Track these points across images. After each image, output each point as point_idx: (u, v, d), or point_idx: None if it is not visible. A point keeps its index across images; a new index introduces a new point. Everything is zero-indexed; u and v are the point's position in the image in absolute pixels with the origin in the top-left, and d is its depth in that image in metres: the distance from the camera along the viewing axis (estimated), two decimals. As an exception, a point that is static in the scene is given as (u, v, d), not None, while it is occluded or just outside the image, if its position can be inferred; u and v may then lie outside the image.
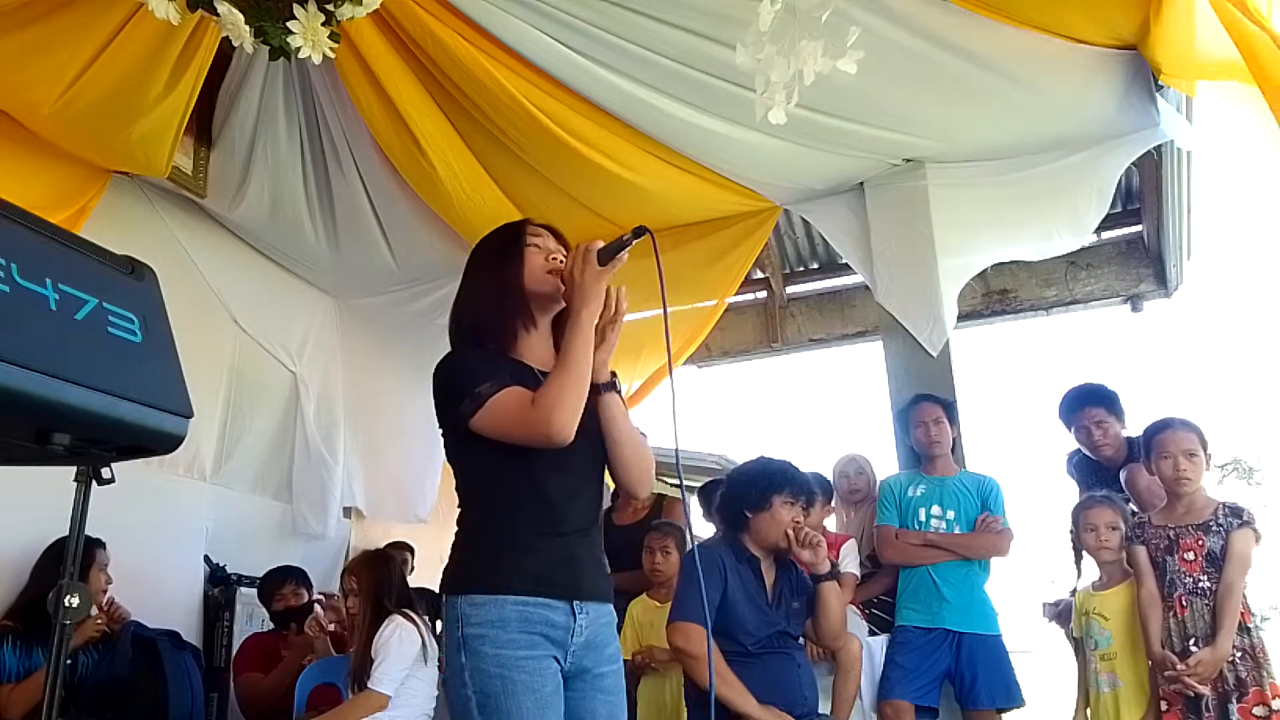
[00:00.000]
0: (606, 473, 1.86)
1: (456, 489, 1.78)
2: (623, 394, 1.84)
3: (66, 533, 1.63)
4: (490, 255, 1.85)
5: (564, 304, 1.78)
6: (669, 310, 4.72)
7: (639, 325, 4.48)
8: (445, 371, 1.74)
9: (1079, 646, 3.13)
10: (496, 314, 1.78)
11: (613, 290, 1.77)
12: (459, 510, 1.77)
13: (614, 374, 1.82)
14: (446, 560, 1.73)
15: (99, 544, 3.19)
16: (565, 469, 1.70)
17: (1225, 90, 2.81)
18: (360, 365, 5.18)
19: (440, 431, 1.76)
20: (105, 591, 3.27)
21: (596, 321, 1.71)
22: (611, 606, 1.78)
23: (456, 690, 1.60)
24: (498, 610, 1.60)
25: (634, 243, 1.68)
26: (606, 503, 4.41)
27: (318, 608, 3.60)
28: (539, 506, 1.68)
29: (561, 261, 1.78)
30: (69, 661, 2.98)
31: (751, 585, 2.83)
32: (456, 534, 1.76)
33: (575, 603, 1.66)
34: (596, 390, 1.75)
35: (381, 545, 4.77)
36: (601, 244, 1.70)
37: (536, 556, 1.66)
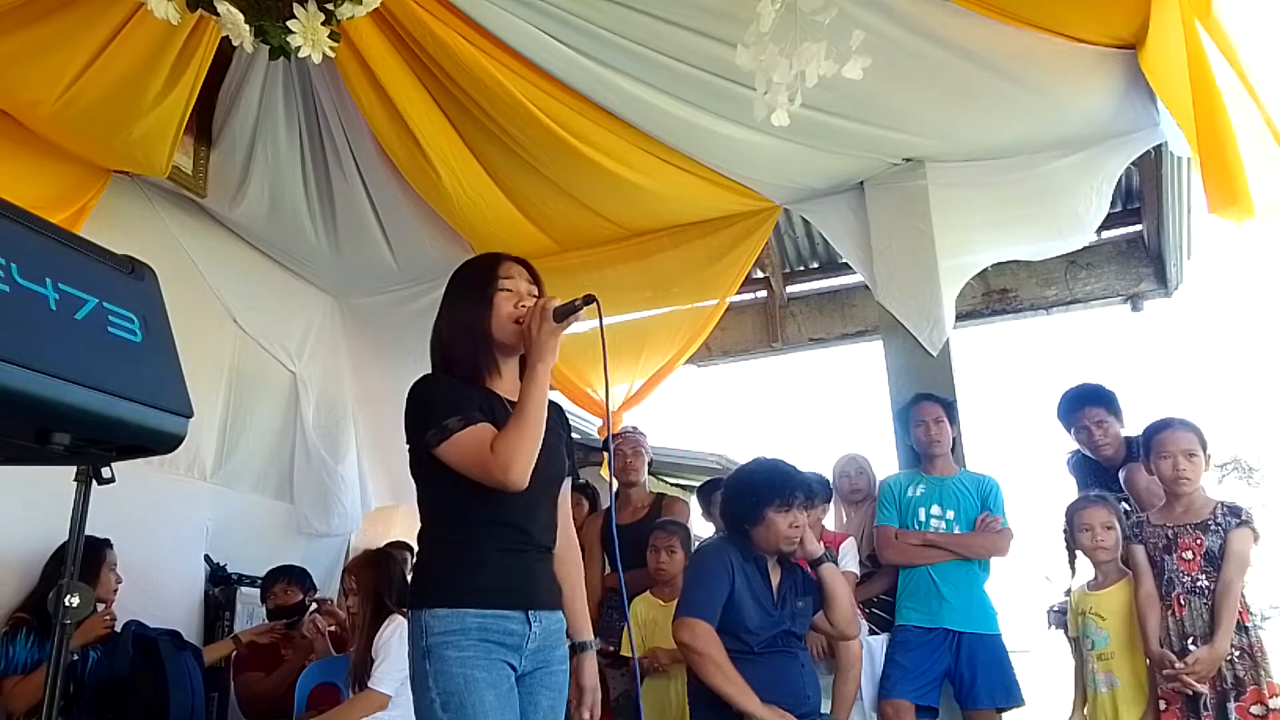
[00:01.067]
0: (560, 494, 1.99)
1: (419, 503, 1.90)
2: (590, 647, 2.00)
3: (97, 535, 1.63)
4: (463, 294, 1.95)
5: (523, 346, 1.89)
6: (669, 310, 4.74)
7: (641, 324, 4.50)
8: (418, 394, 1.85)
9: (1075, 646, 3.14)
10: (467, 350, 1.88)
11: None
12: (421, 525, 1.89)
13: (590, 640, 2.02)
14: (411, 576, 1.85)
15: (107, 544, 3.23)
16: (521, 498, 1.78)
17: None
18: (361, 365, 5.18)
19: (407, 446, 1.86)
20: (116, 591, 3.30)
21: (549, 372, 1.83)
22: (561, 613, 1.91)
23: (421, 695, 1.72)
24: (459, 621, 1.72)
25: (583, 309, 1.81)
26: (605, 502, 4.41)
27: (313, 610, 3.60)
28: (501, 527, 1.80)
29: (527, 308, 1.88)
30: (75, 658, 3.01)
31: (757, 584, 2.83)
32: (420, 548, 1.90)
33: (530, 612, 1.80)
34: (573, 648, 1.96)
35: (381, 545, 4.79)
36: (558, 302, 1.81)
37: (496, 571, 1.79)
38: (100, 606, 3.20)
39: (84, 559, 3.01)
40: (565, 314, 1.80)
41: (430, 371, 1.93)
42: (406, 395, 1.85)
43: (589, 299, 1.80)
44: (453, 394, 1.81)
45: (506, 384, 1.91)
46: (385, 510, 5.38)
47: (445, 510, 1.84)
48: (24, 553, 3.22)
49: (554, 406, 1.93)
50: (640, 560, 3.59)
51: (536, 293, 1.94)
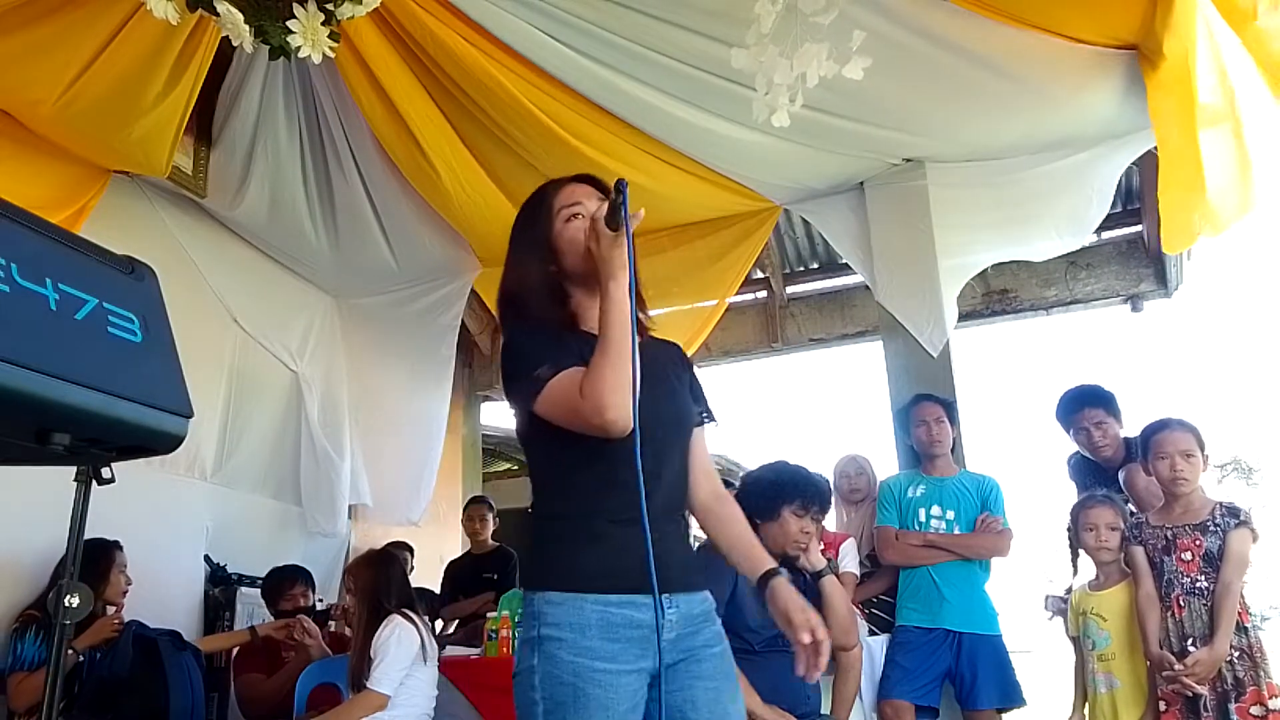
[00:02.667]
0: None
1: (529, 474, 1.68)
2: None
3: (85, 533, 1.63)
4: (525, 236, 1.71)
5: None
6: (670, 310, 4.72)
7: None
8: (508, 349, 1.63)
9: (1075, 646, 3.14)
10: (544, 296, 1.66)
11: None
12: (533, 497, 1.66)
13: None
14: (526, 551, 1.63)
15: (117, 545, 3.25)
16: (646, 446, 1.50)
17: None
18: (360, 364, 5.18)
19: (512, 413, 1.66)
20: (126, 593, 3.31)
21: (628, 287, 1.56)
22: (705, 594, 1.64)
23: (524, 692, 1.50)
24: (577, 611, 1.48)
25: (623, 195, 1.54)
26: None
27: (303, 619, 3.55)
28: (618, 491, 1.51)
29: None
30: (80, 660, 3.01)
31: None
32: (532, 522, 1.64)
33: (663, 596, 1.48)
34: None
35: (381, 545, 4.78)
36: (603, 212, 1.57)
37: (616, 547, 1.52)
38: (110, 609, 3.21)
39: (93, 560, 3.05)
40: (613, 215, 1.55)
41: (511, 327, 1.70)
42: (500, 354, 1.65)
43: (619, 184, 1.53)
44: (542, 342, 1.59)
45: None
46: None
47: (555, 475, 1.61)
48: (37, 552, 3.23)
49: (669, 345, 1.75)
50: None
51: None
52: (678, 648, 1.54)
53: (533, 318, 1.66)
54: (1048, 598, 3.38)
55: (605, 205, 1.57)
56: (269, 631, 3.66)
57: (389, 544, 4.87)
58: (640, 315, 1.65)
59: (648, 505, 1.47)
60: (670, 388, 1.66)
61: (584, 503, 1.56)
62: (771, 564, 1.68)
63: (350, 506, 5.08)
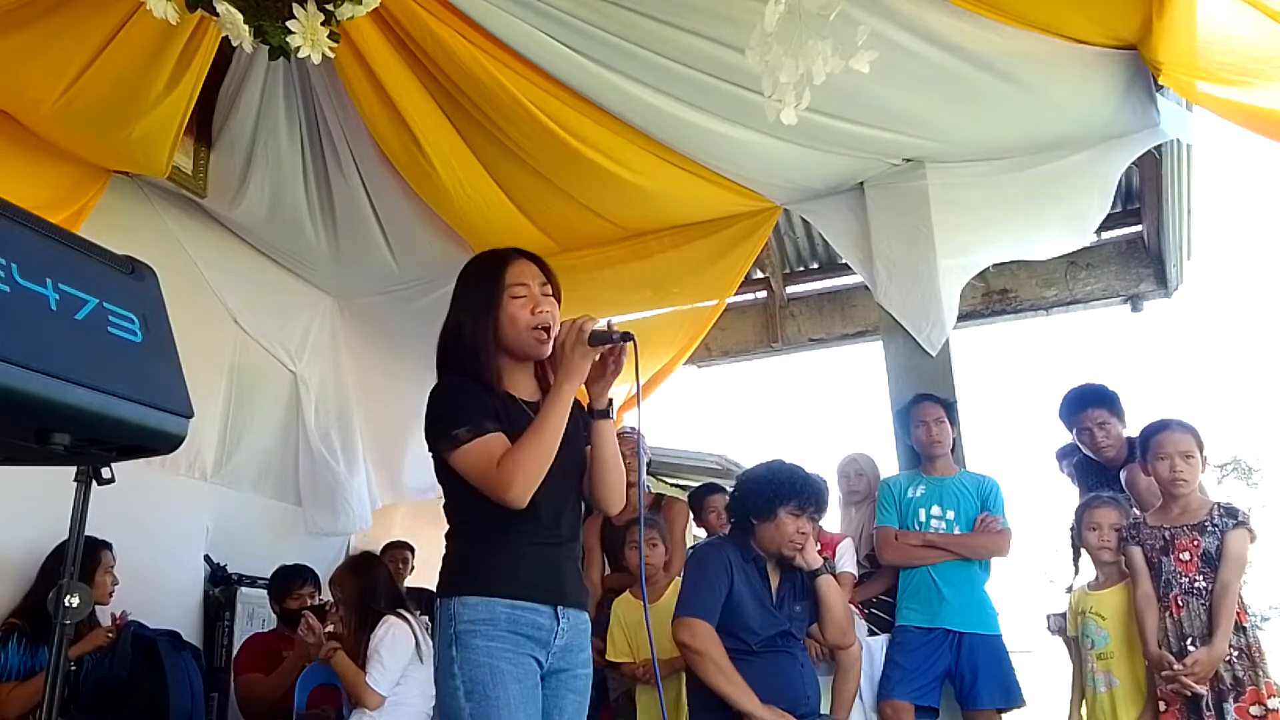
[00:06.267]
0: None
1: (445, 507, 1.87)
2: (613, 414, 1.92)
3: (98, 536, 1.63)
4: (472, 301, 1.89)
5: (544, 355, 1.86)
6: (668, 310, 4.73)
7: (640, 324, 4.50)
8: (434, 401, 1.83)
9: (1074, 645, 3.14)
10: (479, 358, 1.84)
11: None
12: (448, 527, 1.87)
13: (610, 400, 1.89)
14: (440, 569, 1.82)
15: (105, 545, 3.19)
16: (551, 486, 1.76)
17: (1224, 82, 2.81)
18: (360, 364, 5.18)
19: (429, 453, 1.84)
20: (112, 594, 3.26)
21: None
22: (587, 615, 1.88)
23: (445, 682, 1.70)
24: (489, 610, 1.71)
25: (620, 344, 1.78)
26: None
27: (309, 615, 3.54)
28: (529, 522, 1.77)
29: (548, 314, 1.85)
30: (74, 667, 2.98)
31: (757, 585, 2.83)
32: (450, 545, 1.86)
33: (559, 608, 1.77)
34: (593, 414, 1.86)
35: (381, 545, 4.78)
36: (595, 324, 1.77)
37: (526, 564, 1.77)
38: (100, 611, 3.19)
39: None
40: (600, 341, 1.76)
41: (445, 375, 1.89)
42: (427, 400, 1.83)
43: (627, 335, 1.77)
44: (467, 400, 1.79)
45: (522, 387, 1.88)
46: (386, 509, 5.37)
47: (473, 508, 1.79)
48: (19, 554, 3.19)
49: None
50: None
51: (549, 291, 1.89)
52: (562, 658, 1.79)
53: (463, 371, 1.84)
54: (1049, 616, 3.38)
55: (596, 324, 1.76)
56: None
57: (389, 543, 4.88)
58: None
59: (553, 534, 1.81)
60: (571, 441, 1.82)
61: (500, 529, 1.77)
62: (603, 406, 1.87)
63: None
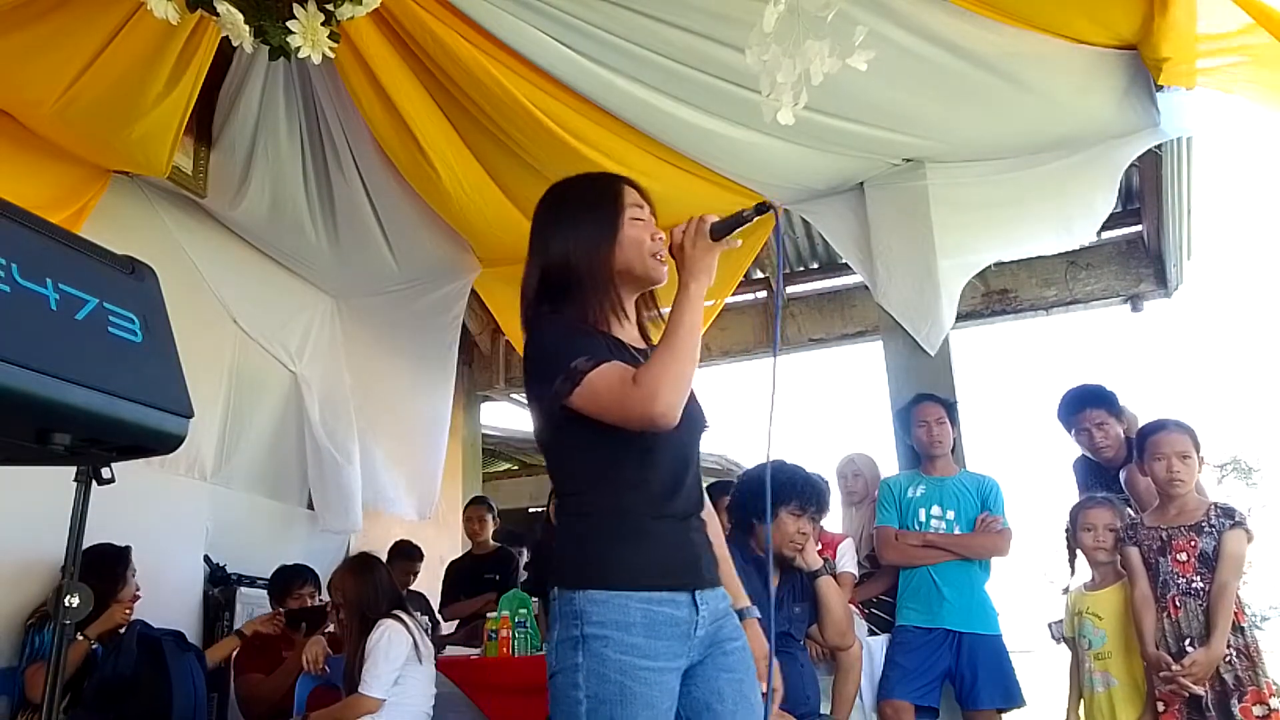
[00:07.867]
0: None
1: (551, 473, 1.66)
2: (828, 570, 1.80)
3: (86, 534, 1.63)
4: (587, 221, 1.67)
5: (655, 287, 1.72)
6: (668, 310, 4.71)
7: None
8: (536, 346, 1.61)
9: (1071, 646, 3.14)
10: (591, 287, 1.63)
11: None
12: (558, 497, 1.67)
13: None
14: (557, 549, 1.60)
15: (129, 551, 3.27)
16: (670, 450, 1.57)
17: (1225, 79, 2.82)
18: (361, 365, 5.18)
19: (530, 412, 1.66)
20: (138, 598, 3.32)
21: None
22: (724, 589, 1.67)
23: (566, 691, 1.48)
24: (622, 610, 1.47)
25: (754, 220, 1.59)
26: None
27: (321, 640, 3.52)
28: (649, 490, 1.55)
29: (663, 239, 1.68)
30: (95, 648, 3.07)
31: (756, 585, 2.81)
32: (562, 521, 1.65)
33: (697, 593, 1.54)
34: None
35: (382, 546, 4.77)
36: (715, 218, 1.62)
37: (656, 544, 1.54)
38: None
39: (110, 564, 3.11)
40: (728, 229, 1.59)
41: (541, 316, 1.65)
42: (523, 356, 1.62)
43: (763, 207, 1.59)
44: (577, 337, 1.56)
45: (629, 331, 1.69)
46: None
47: (589, 473, 1.58)
48: (50, 552, 3.19)
49: None
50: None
51: (664, 235, 1.70)
52: (705, 643, 1.56)
53: (574, 303, 1.62)
54: (1051, 625, 3.38)
55: (716, 218, 1.61)
56: (256, 627, 3.65)
57: (396, 543, 4.86)
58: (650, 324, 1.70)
59: (678, 504, 1.57)
60: (692, 394, 1.64)
61: (619, 499, 1.55)
62: (745, 602, 1.78)
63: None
